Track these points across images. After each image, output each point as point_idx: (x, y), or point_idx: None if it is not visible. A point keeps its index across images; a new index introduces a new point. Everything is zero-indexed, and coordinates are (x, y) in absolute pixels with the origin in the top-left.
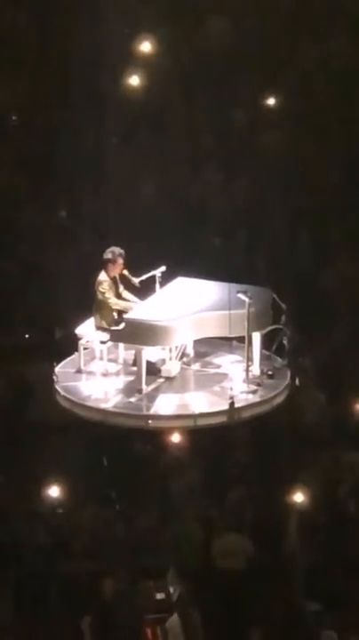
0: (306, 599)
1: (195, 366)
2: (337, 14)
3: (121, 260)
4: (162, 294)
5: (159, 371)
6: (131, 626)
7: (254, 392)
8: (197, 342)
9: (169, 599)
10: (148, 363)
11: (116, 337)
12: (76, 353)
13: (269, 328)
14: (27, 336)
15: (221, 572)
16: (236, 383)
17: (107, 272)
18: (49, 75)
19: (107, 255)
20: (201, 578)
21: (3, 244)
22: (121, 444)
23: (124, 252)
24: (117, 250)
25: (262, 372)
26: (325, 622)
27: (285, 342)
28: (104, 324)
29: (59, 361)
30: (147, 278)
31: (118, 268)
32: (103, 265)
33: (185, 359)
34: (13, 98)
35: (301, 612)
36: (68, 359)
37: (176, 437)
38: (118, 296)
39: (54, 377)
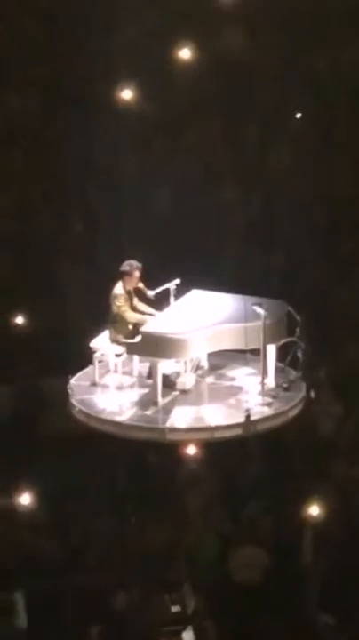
0: (320, 612)
1: (210, 379)
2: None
3: (138, 274)
4: (177, 307)
5: (174, 383)
6: (144, 638)
7: (269, 405)
8: (212, 355)
9: (184, 612)
10: (163, 375)
11: (132, 350)
12: (91, 366)
13: (284, 340)
14: None
15: (237, 584)
16: (252, 396)
17: (123, 284)
18: (60, 82)
19: (125, 267)
20: (217, 591)
21: (18, 255)
22: (136, 457)
23: (141, 266)
24: (135, 263)
25: (277, 384)
26: (340, 636)
27: (300, 355)
28: (119, 337)
29: (73, 374)
30: (162, 291)
31: (134, 281)
32: (120, 277)
33: (200, 372)
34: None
35: (316, 625)
36: (83, 372)
37: (191, 450)
38: (134, 308)
39: (69, 390)
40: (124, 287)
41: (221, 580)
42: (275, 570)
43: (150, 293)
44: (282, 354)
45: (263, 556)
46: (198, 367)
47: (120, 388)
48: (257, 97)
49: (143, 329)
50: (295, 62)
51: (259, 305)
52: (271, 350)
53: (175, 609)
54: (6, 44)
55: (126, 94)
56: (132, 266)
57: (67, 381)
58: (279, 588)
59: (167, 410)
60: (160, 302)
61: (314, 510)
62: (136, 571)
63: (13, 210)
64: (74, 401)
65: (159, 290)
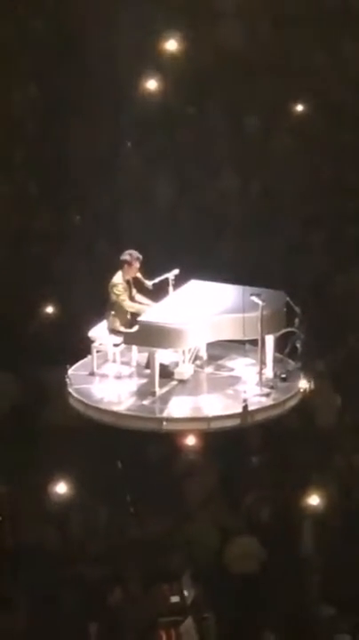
0: (320, 603)
1: (208, 369)
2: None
3: (138, 264)
4: (175, 297)
5: (172, 373)
6: (143, 629)
7: (267, 395)
8: (210, 345)
9: (183, 602)
10: (161, 365)
11: (130, 339)
12: (89, 356)
13: (283, 331)
14: None
15: (236, 575)
16: (250, 386)
17: (123, 274)
18: (63, 78)
19: (125, 257)
20: (216, 581)
21: (18, 247)
22: (134, 447)
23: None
24: (135, 253)
25: (275, 375)
26: (340, 626)
27: (298, 345)
28: (117, 327)
29: (71, 364)
30: (160, 281)
31: (134, 271)
32: (120, 266)
33: (198, 362)
34: (27, 102)
35: (316, 615)
36: (81, 362)
37: (189, 440)
38: (132, 299)
39: (67, 380)
40: (124, 277)
41: (221, 571)
42: (274, 560)
43: (149, 283)
44: (281, 344)
45: (259, 546)
46: (196, 357)
47: (118, 377)
48: (257, 88)
49: (141, 318)
50: (294, 53)
51: (258, 295)
52: (269, 341)
53: (174, 599)
54: (7, 41)
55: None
56: (133, 255)
57: (65, 371)
58: (279, 578)
59: (165, 400)
60: (159, 292)
61: (313, 500)
62: (135, 561)
63: (14, 200)
64: (72, 390)
65: (158, 280)
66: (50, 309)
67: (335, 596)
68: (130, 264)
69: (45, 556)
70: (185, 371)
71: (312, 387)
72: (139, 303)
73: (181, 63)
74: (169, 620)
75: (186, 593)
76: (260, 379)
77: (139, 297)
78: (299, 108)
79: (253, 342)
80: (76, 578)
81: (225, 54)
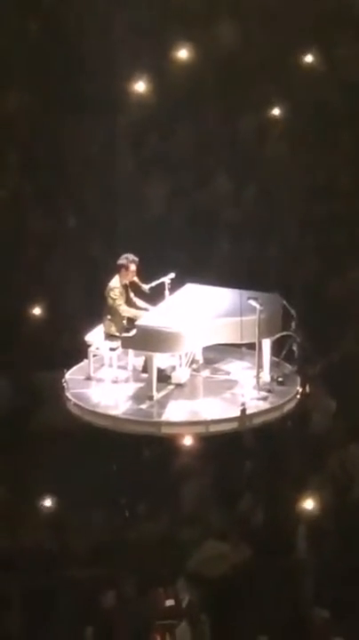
0: (315, 606)
1: (205, 373)
2: (346, 21)
3: (134, 267)
4: (172, 301)
5: (169, 377)
6: (138, 632)
7: (265, 399)
8: (207, 349)
9: (178, 606)
10: (158, 369)
11: (127, 344)
12: (86, 360)
13: (279, 334)
14: None
15: (229, 578)
16: (247, 390)
17: (120, 278)
18: (57, 81)
19: (122, 261)
20: (211, 584)
21: (11, 249)
22: (131, 451)
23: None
24: (132, 256)
25: (272, 378)
26: (334, 629)
27: (295, 349)
28: (114, 331)
29: (68, 368)
30: (157, 285)
31: (131, 275)
32: (117, 270)
33: (194, 366)
34: (20, 103)
35: (310, 618)
36: (78, 366)
37: (186, 444)
38: (129, 303)
39: (64, 384)
40: (121, 281)
41: (216, 574)
42: (269, 563)
43: (145, 287)
44: (278, 348)
45: (228, 549)
46: (193, 361)
47: (115, 381)
48: (250, 91)
49: (138, 323)
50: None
51: (255, 299)
52: (266, 344)
53: (169, 603)
54: (1, 43)
55: (121, 87)
56: (129, 259)
57: (62, 375)
58: (273, 581)
59: (162, 404)
60: (155, 296)
61: (308, 504)
62: (130, 565)
63: (8, 203)
64: (69, 395)
65: (154, 284)
66: (45, 313)
67: (329, 599)
68: (127, 268)
69: (40, 559)
70: (182, 375)
71: (307, 390)
72: (136, 307)
73: (176, 64)
74: (164, 623)
75: (181, 596)
76: (257, 382)
77: (136, 301)
78: (294, 109)
79: (250, 346)
80: (71, 581)
81: (218, 56)
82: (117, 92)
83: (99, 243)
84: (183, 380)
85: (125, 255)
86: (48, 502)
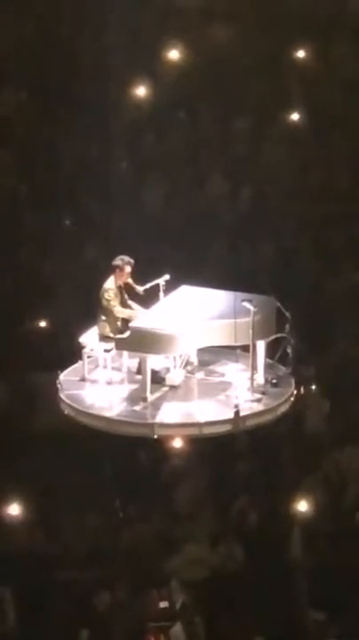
0: (310, 608)
1: (200, 375)
2: (343, 23)
3: (129, 269)
4: (166, 303)
5: (163, 379)
6: (132, 634)
7: (259, 400)
8: (201, 350)
9: (172, 607)
10: (152, 371)
11: (121, 345)
12: (80, 361)
13: (274, 336)
14: None
15: (224, 580)
16: (241, 392)
17: (114, 279)
18: (52, 82)
19: (117, 262)
20: (205, 586)
21: (7, 250)
22: (125, 453)
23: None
24: (127, 258)
25: (266, 380)
26: (329, 631)
27: (289, 351)
28: (108, 332)
29: (62, 369)
30: (151, 287)
31: (125, 276)
32: (111, 271)
33: (189, 368)
34: (17, 105)
35: (305, 620)
36: (72, 367)
37: (180, 445)
38: (123, 304)
39: (58, 385)
40: (115, 282)
41: (210, 576)
42: (263, 565)
43: (140, 289)
44: (272, 350)
45: (207, 552)
46: (187, 363)
47: (109, 383)
48: (247, 92)
49: (132, 324)
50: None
51: (249, 301)
52: (260, 346)
53: (163, 604)
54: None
55: (116, 89)
56: (124, 260)
57: (56, 376)
58: (268, 583)
59: (156, 405)
60: (150, 298)
61: (302, 505)
62: (124, 566)
63: (4, 205)
64: (63, 396)
65: (149, 286)
66: (40, 314)
67: (325, 601)
68: (121, 269)
69: (34, 561)
70: (176, 376)
71: (302, 392)
72: (130, 309)
73: (173, 66)
74: (158, 625)
75: (174, 598)
76: (251, 384)
77: (130, 303)
78: (290, 112)
79: (245, 348)
80: (65, 583)
81: (215, 58)
82: (114, 93)
83: (94, 244)
84: (177, 381)
85: (120, 257)
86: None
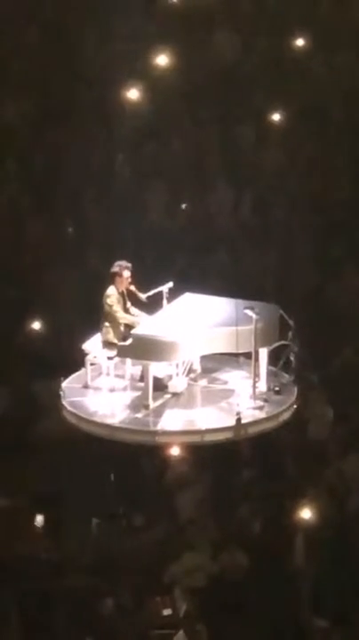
0: (313, 615)
1: (202, 382)
2: (344, 29)
3: (127, 273)
4: (169, 310)
5: (166, 386)
6: None
7: (261, 408)
8: (204, 358)
9: (176, 615)
10: (155, 378)
11: (124, 352)
12: (83, 368)
13: (276, 344)
14: None
15: (227, 587)
16: (243, 399)
17: (116, 286)
18: (55, 89)
19: (115, 269)
20: (208, 593)
21: (10, 257)
22: (127, 460)
23: (131, 267)
24: (124, 263)
25: (269, 388)
26: (332, 639)
27: (292, 358)
28: (111, 338)
29: (65, 376)
30: (155, 294)
31: (125, 282)
32: (111, 278)
33: (192, 375)
34: (20, 113)
35: (309, 628)
36: (75, 375)
37: (182, 453)
38: (126, 311)
39: (61, 392)
40: (117, 288)
41: (213, 583)
42: (266, 573)
43: (143, 296)
44: (275, 358)
45: (206, 560)
46: (190, 370)
47: (112, 390)
48: (248, 98)
49: (135, 331)
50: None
51: (251, 308)
52: (263, 354)
53: (166, 612)
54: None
55: (118, 96)
56: (122, 266)
57: (59, 384)
58: (271, 590)
59: (158, 413)
60: (153, 305)
61: (305, 513)
62: (127, 574)
63: (7, 213)
64: (66, 403)
65: (152, 293)
66: (43, 322)
67: (328, 609)
68: (120, 275)
69: (38, 568)
70: (178, 384)
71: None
72: (133, 315)
73: (176, 73)
74: (161, 632)
75: (178, 606)
76: (254, 392)
77: (133, 310)
78: (292, 118)
79: (247, 355)
80: (69, 590)
81: (217, 64)
82: (116, 101)
83: (97, 252)
84: (180, 389)
85: (118, 262)
86: (46, 511)
